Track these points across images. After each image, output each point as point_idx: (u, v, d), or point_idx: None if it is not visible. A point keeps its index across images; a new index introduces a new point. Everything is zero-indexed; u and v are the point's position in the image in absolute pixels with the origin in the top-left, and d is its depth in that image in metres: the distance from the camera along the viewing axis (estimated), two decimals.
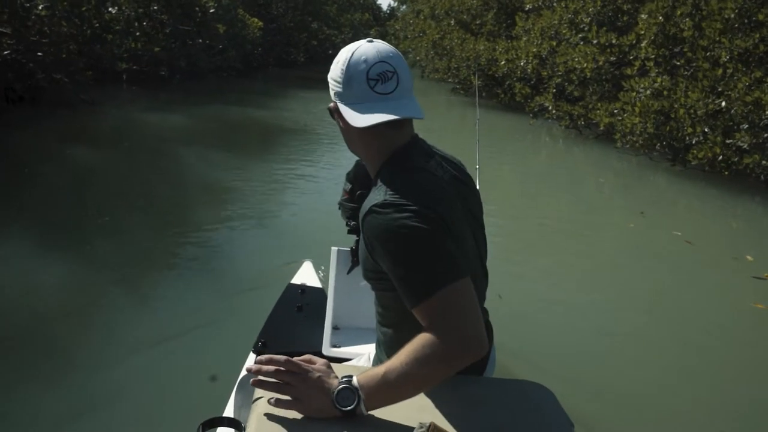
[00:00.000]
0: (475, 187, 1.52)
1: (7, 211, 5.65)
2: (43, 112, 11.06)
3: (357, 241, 2.03)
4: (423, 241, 1.18)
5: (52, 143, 8.95)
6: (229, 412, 2.04)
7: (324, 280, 3.21)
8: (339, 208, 2.18)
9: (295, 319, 2.73)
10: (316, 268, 3.53)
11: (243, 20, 21.78)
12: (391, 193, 1.23)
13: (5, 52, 8.98)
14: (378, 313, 1.46)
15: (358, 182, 2.03)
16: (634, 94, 10.20)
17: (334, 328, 2.36)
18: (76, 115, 11.61)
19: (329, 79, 1.37)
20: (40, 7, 8.10)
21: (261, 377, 1.14)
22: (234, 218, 6.04)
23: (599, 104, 12.13)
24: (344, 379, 1.13)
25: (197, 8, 15.89)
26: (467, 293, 1.17)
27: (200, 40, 16.55)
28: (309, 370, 1.15)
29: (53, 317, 3.70)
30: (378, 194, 1.26)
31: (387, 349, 1.44)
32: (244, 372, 2.15)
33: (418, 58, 26.30)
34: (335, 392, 1.11)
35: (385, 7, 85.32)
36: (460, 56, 19.21)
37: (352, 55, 1.31)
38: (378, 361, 1.51)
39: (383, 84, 1.29)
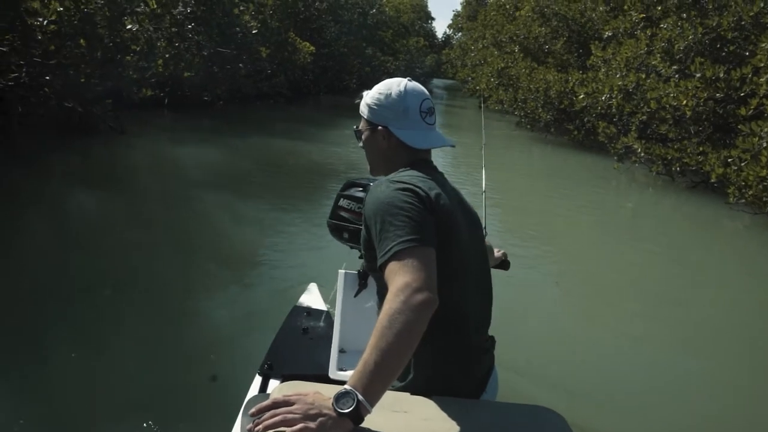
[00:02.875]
0: (476, 214, 1.62)
1: None
2: (60, 141, 9.88)
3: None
4: (404, 208, 1.31)
5: (56, 182, 7.67)
6: None
7: (329, 302, 3.14)
8: (333, 231, 2.33)
9: (301, 342, 2.72)
10: (321, 291, 3.42)
11: (294, 44, 20.66)
12: (393, 176, 1.47)
13: (13, 75, 7.71)
14: (378, 303, 1.57)
15: None
16: (756, 139, 8.28)
17: (341, 351, 2.22)
18: (101, 146, 10.44)
19: (372, 105, 1.59)
20: (45, 22, 6.69)
21: (260, 425, 1.10)
22: (239, 241, 5.96)
23: (702, 148, 10.21)
24: (339, 390, 1.13)
25: (237, 28, 14.36)
26: (428, 259, 1.25)
27: (241, 65, 15.00)
28: (300, 395, 1.16)
29: (67, 336, 3.63)
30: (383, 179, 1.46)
31: None
32: (250, 395, 2.23)
33: (478, 87, 24.63)
34: (334, 401, 1.11)
35: (440, 34, 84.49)
36: (527, 87, 17.49)
37: (406, 89, 1.56)
38: None
39: (430, 117, 1.60)
